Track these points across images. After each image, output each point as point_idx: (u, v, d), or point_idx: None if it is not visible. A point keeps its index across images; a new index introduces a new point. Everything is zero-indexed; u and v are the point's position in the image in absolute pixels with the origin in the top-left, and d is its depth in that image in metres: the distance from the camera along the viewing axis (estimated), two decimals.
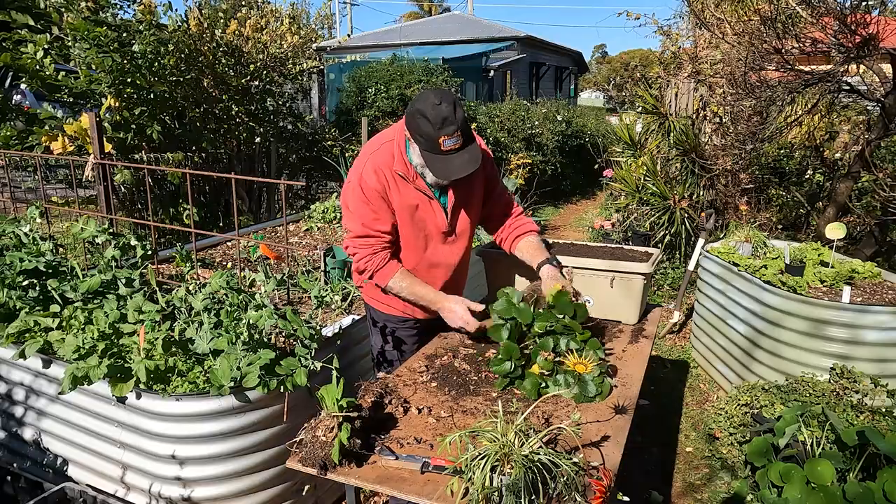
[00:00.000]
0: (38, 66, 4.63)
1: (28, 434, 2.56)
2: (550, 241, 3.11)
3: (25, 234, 3.04)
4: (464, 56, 15.28)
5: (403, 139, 2.16)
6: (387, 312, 2.40)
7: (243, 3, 6.55)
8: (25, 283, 2.67)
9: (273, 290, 2.39)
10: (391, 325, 2.44)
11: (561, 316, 2.04)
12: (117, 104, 4.80)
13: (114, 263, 2.85)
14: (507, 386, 1.98)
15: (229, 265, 3.77)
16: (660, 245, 5.77)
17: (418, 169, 2.15)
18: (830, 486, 2.13)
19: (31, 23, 4.77)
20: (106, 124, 4.73)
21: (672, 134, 5.76)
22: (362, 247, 2.18)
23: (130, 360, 2.19)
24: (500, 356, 1.99)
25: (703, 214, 5.19)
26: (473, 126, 6.85)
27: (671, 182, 5.77)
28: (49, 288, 2.59)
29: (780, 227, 5.75)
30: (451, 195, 2.25)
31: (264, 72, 6.27)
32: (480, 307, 2.24)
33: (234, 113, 5.92)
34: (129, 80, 4.76)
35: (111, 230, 2.96)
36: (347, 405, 1.60)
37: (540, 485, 1.36)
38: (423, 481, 1.51)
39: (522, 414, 1.52)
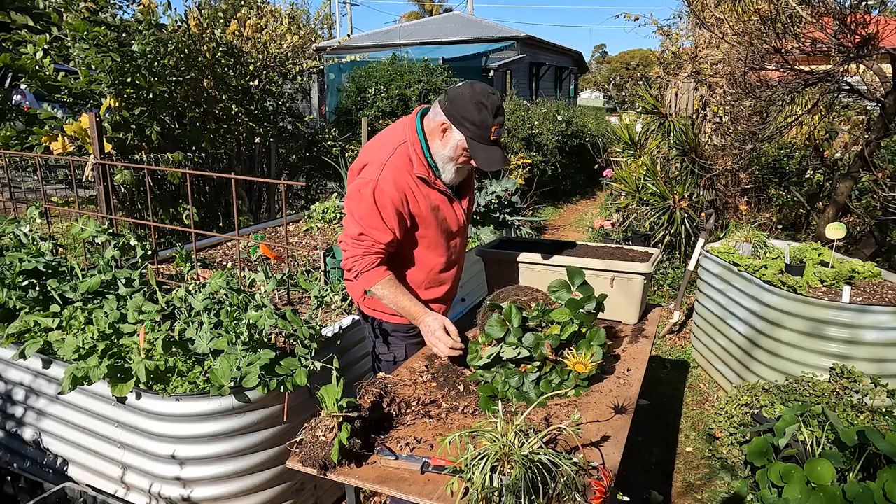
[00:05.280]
0: (37, 67, 4.63)
1: (28, 434, 2.56)
2: (550, 240, 3.11)
3: (25, 234, 3.04)
4: (464, 56, 15.28)
5: (417, 140, 2.14)
6: (395, 322, 2.35)
7: (243, 3, 6.55)
8: (25, 283, 2.67)
9: (273, 290, 2.39)
10: (396, 337, 2.38)
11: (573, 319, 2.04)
12: (117, 104, 4.80)
13: (114, 263, 2.85)
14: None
15: (229, 265, 3.77)
16: (660, 245, 5.77)
17: (439, 165, 2.16)
18: (830, 486, 2.13)
19: (31, 23, 4.76)
20: (106, 124, 4.73)
21: (672, 134, 5.76)
22: (355, 246, 2.11)
23: (130, 360, 2.19)
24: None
25: (703, 214, 5.19)
26: None
27: (671, 182, 5.77)
28: (49, 288, 2.59)
29: (780, 227, 5.75)
30: (465, 194, 2.32)
31: (264, 72, 6.27)
32: (454, 330, 2.11)
33: (234, 113, 5.92)
34: (128, 80, 4.76)
35: (111, 230, 2.96)
36: (347, 405, 1.60)
37: (540, 485, 1.36)
38: (423, 481, 1.51)
39: (522, 414, 1.52)
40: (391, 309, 2.24)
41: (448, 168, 2.16)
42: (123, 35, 4.87)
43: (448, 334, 2.06)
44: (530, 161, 9.14)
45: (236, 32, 6.07)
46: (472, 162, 2.12)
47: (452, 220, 2.27)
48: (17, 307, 2.56)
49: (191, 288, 2.62)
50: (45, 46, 4.64)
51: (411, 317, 2.15)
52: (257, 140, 6.34)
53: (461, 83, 2.11)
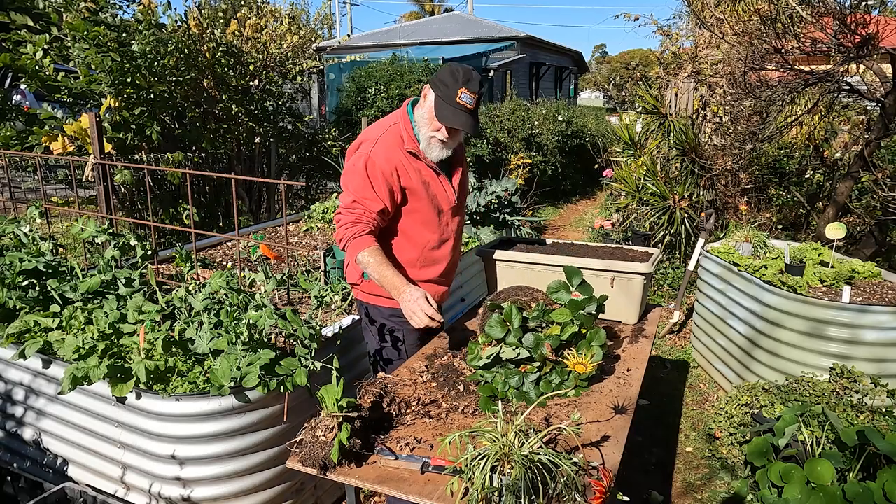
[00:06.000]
0: (37, 67, 4.63)
1: (28, 434, 2.56)
2: (550, 240, 3.11)
3: (25, 234, 3.04)
4: (464, 56, 15.26)
5: (408, 119, 2.30)
6: (389, 307, 2.35)
7: (243, 3, 6.55)
8: (25, 283, 2.67)
9: (273, 290, 2.39)
10: (390, 324, 2.40)
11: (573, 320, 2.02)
12: (117, 104, 4.80)
13: (114, 263, 2.85)
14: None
15: (229, 265, 3.77)
16: (660, 245, 5.77)
17: (419, 132, 2.28)
18: (830, 486, 2.13)
19: (31, 23, 4.77)
20: (106, 124, 4.73)
21: (672, 134, 5.76)
22: (348, 213, 2.20)
23: (130, 360, 2.19)
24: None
25: (703, 214, 5.19)
26: None
27: (671, 182, 5.77)
28: (49, 288, 2.59)
29: (780, 227, 5.75)
30: (455, 173, 2.43)
31: (264, 72, 6.27)
32: (435, 304, 2.11)
33: (234, 113, 5.92)
34: (128, 80, 4.76)
35: (111, 230, 2.97)
36: (347, 405, 1.60)
37: (540, 485, 1.36)
38: (423, 481, 1.51)
39: (522, 414, 1.52)
40: (386, 292, 2.25)
41: (423, 132, 2.26)
42: (123, 35, 4.87)
43: (429, 304, 2.05)
44: (530, 161, 9.14)
45: (236, 32, 6.07)
46: (439, 124, 2.20)
47: (443, 196, 2.37)
48: (17, 307, 2.56)
49: (191, 288, 2.62)
50: (45, 46, 4.65)
51: (393, 287, 2.14)
52: (257, 140, 6.34)
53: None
